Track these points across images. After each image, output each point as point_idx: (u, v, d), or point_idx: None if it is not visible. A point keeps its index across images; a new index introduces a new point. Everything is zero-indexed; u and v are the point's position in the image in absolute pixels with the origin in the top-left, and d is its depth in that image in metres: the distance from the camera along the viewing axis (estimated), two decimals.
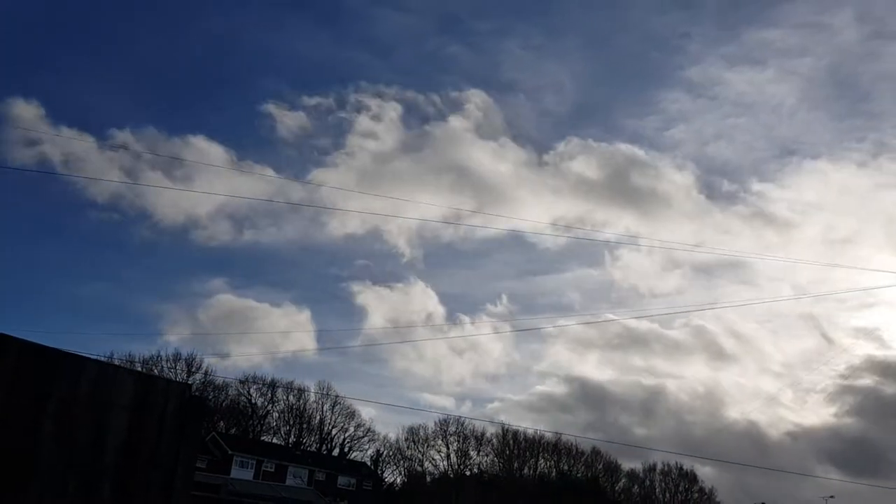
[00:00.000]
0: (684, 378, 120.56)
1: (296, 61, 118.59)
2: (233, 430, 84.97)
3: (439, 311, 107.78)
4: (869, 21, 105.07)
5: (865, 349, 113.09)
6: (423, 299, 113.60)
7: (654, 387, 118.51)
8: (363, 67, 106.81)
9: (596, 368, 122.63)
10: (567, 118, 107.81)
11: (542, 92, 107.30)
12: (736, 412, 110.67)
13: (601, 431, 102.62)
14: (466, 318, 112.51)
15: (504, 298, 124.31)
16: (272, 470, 75.74)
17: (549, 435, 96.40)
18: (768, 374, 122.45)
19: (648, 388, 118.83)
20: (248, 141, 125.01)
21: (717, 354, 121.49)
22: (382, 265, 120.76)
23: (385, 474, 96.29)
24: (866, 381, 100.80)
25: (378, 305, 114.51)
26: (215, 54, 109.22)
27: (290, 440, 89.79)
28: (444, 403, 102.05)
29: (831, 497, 70.15)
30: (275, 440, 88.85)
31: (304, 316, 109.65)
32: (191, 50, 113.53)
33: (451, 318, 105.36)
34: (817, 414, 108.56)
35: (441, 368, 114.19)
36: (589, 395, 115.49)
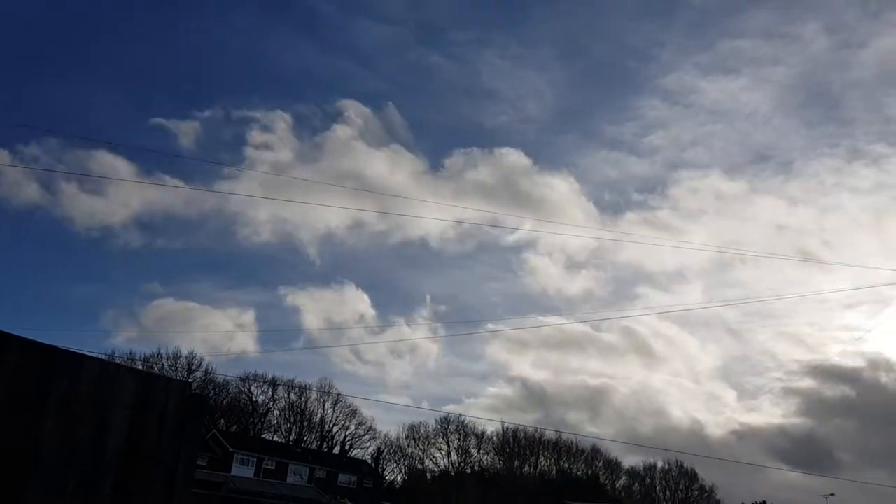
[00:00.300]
0: (624, 378, 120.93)
1: (282, 70, 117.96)
2: (234, 428, 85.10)
3: (370, 312, 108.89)
4: (837, 31, 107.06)
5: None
6: (355, 301, 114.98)
7: (598, 386, 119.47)
8: (349, 78, 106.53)
9: (534, 369, 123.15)
10: (550, 124, 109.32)
11: (523, 100, 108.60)
12: (678, 410, 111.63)
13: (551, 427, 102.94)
14: (402, 321, 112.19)
15: (428, 299, 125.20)
16: (273, 468, 75.86)
17: (549, 433, 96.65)
18: (699, 375, 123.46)
19: (592, 388, 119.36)
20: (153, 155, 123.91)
21: (649, 355, 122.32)
22: (305, 269, 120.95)
23: (386, 472, 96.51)
24: (802, 384, 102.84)
25: (312, 307, 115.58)
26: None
27: (291, 438, 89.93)
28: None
29: (832, 495, 70.17)
30: (275, 438, 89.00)
31: (250, 316, 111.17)
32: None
33: (385, 321, 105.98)
34: (759, 413, 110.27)
35: (385, 371, 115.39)
36: (535, 395, 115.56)
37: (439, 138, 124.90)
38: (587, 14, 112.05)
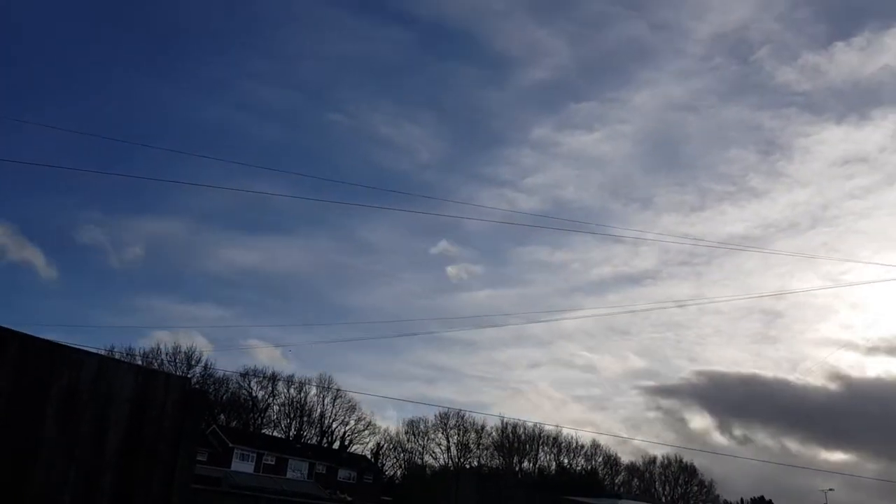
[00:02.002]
0: None
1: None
2: (233, 424, 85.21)
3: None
4: (666, 96, 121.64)
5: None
6: None
7: None
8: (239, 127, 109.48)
9: None
10: (441, 168, 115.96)
11: (408, 151, 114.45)
12: None
13: None
14: None
15: None
16: (273, 463, 75.99)
17: (549, 428, 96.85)
18: None
19: None
20: None
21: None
22: None
23: (385, 467, 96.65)
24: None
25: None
26: None
27: (291, 433, 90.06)
28: None
29: (831, 489, 70.36)
30: (275, 433, 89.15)
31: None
32: None
33: None
34: None
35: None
36: None
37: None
38: (447, 84, 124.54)
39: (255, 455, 74.81)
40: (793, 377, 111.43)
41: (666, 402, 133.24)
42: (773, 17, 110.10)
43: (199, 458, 58.52)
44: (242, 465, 71.71)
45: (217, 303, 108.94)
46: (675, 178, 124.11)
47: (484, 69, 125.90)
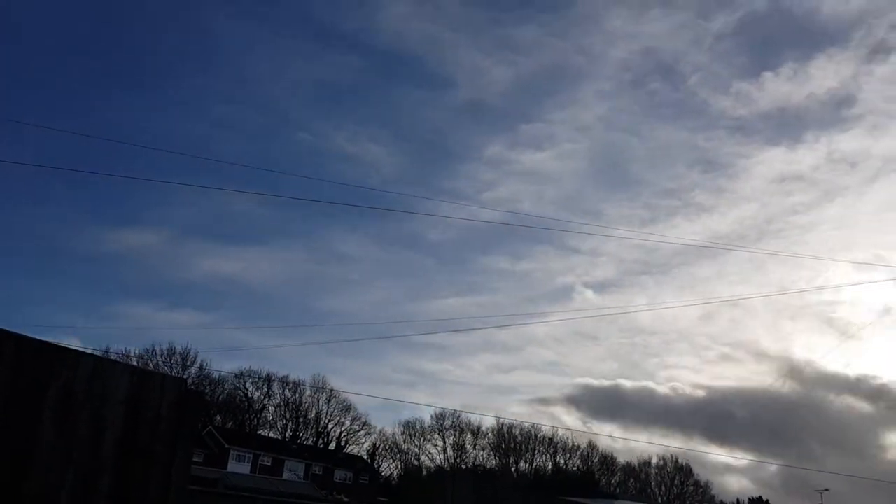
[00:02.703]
0: None
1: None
2: (229, 425, 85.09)
3: None
4: (607, 119, 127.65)
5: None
6: None
7: None
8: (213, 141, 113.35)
9: None
10: (402, 183, 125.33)
11: (372, 166, 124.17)
12: None
13: None
14: None
15: None
16: (269, 464, 75.90)
17: (545, 429, 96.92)
18: None
19: None
20: None
21: None
22: None
23: (381, 468, 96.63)
24: None
25: None
26: None
27: (287, 434, 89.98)
28: None
29: (826, 490, 70.45)
30: (271, 434, 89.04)
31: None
32: None
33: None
34: None
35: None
36: None
37: None
38: (401, 109, 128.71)
39: (251, 456, 74.73)
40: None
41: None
42: (702, 50, 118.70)
43: (196, 459, 58.40)
44: (239, 467, 71.62)
45: (198, 309, 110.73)
46: (624, 194, 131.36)
47: (435, 92, 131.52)
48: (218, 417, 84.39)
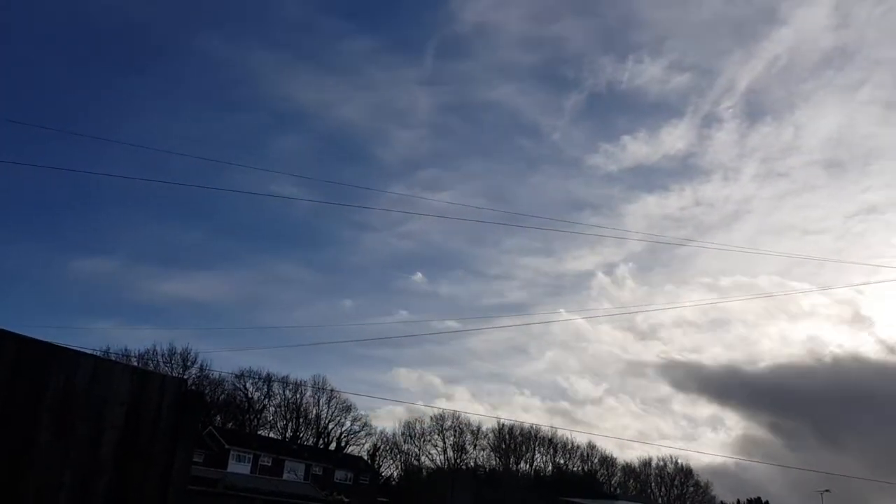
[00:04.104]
0: None
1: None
2: (229, 425, 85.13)
3: None
4: (492, 170, 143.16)
5: None
6: None
7: None
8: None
9: None
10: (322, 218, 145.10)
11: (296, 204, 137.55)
12: None
13: None
14: None
15: None
16: (269, 464, 75.91)
17: (544, 429, 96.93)
18: None
19: None
20: None
21: None
22: None
23: (382, 468, 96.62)
24: None
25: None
26: None
27: (287, 434, 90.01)
28: None
29: (826, 490, 70.42)
30: (271, 435, 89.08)
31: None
32: None
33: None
34: None
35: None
36: None
37: None
38: (306, 156, 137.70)
39: (251, 456, 74.74)
40: None
41: None
42: (562, 118, 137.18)
43: (196, 459, 58.39)
44: (239, 467, 71.62)
45: (157, 326, 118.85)
46: (522, 227, 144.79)
47: (332, 144, 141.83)
48: (218, 418, 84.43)
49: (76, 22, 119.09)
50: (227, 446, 72.46)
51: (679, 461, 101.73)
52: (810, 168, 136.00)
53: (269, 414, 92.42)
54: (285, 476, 75.43)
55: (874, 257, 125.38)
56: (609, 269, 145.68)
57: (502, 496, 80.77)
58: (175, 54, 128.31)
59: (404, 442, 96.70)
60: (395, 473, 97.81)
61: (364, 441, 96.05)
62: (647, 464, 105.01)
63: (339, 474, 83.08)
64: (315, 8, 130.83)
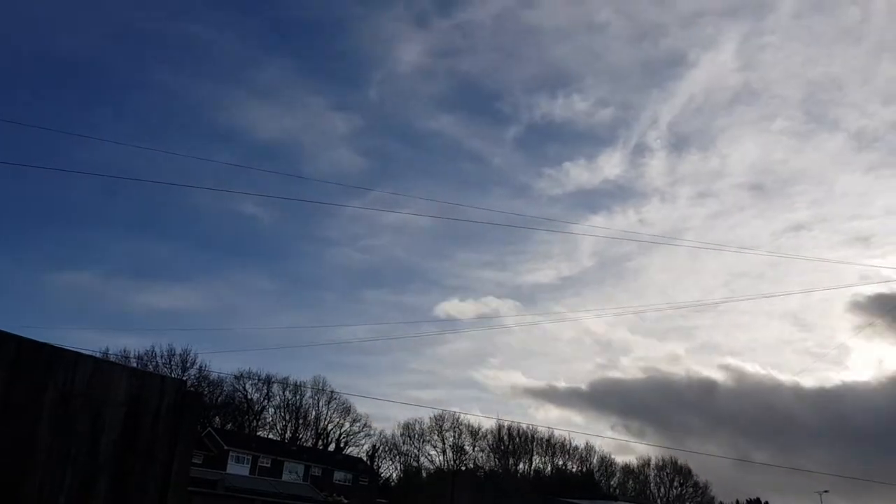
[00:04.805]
0: None
1: None
2: (228, 426, 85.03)
3: None
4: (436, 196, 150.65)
5: None
6: None
7: None
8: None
9: None
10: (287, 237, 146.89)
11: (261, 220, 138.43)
12: None
13: None
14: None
15: None
16: (268, 465, 75.85)
17: (542, 430, 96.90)
18: None
19: None
20: None
21: None
22: None
23: (381, 469, 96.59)
24: None
25: None
26: None
27: (286, 435, 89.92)
28: None
29: (825, 491, 70.46)
30: (271, 436, 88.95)
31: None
32: None
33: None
34: None
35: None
36: None
37: None
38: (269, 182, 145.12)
39: (250, 457, 74.68)
40: None
41: None
42: (504, 147, 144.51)
43: (195, 460, 58.31)
44: (238, 468, 71.57)
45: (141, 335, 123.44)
46: (472, 246, 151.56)
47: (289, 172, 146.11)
48: (217, 419, 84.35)
49: (40, 57, 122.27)
50: (226, 447, 72.42)
51: (678, 462, 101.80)
52: (738, 191, 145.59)
53: (268, 415, 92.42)
54: (284, 477, 75.39)
55: (808, 272, 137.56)
56: (564, 281, 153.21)
57: (502, 497, 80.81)
58: (131, 87, 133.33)
59: (403, 443, 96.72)
60: (395, 474, 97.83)
61: (363, 442, 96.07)
62: (645, 464, 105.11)
63: (339, 475, 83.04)
64: (258, 49, 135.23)
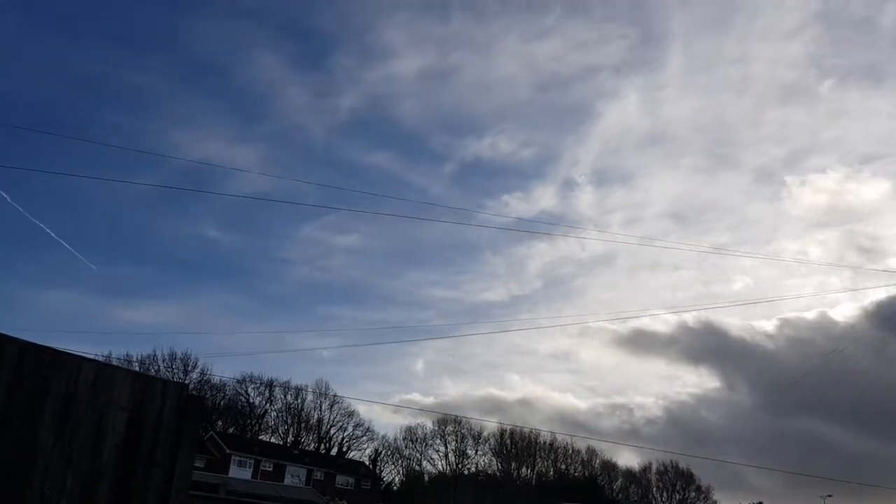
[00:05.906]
0: None
1: None
2: (231, 430, 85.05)
3: None
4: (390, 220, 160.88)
5: None
6: None
7: None
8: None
9: None
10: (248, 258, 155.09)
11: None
12: None
13: None
14: None
15: None
16: (270, 469, 75.84)
17: (545, 434, 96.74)
18: None
19: None
20: None
21: None
22: None
23: (383, 474, 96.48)
24: None
25: None
26: None
27: (289, 439, 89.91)
28: None
29: (829, 496, 70.29)
30: (273, 440, 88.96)
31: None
32: None
33: None
34: None
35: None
36: None
37: None
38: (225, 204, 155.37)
39: (252, 461, 74.68)
40: None
41: None
42: (443, 182, 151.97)
43: (197, 464, 58.29)
44: (240, 472, 71.56)
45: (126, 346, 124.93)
46: (423, 266, 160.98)
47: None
48: (220, 423, 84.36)
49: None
50: (228, 451, 72.42)
51: (680, 465, 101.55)
52: (662, 219, 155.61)
53: (270, 419, 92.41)
54: (287, 481, 75.34)
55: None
56: (514, 300, 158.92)
57: (504, 502, 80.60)
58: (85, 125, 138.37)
59: (406, 447, 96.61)
60: (397, 479, 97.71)
61: (366, 446, 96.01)
62: (647, 468, 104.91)
63: (341, 479, 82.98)
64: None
